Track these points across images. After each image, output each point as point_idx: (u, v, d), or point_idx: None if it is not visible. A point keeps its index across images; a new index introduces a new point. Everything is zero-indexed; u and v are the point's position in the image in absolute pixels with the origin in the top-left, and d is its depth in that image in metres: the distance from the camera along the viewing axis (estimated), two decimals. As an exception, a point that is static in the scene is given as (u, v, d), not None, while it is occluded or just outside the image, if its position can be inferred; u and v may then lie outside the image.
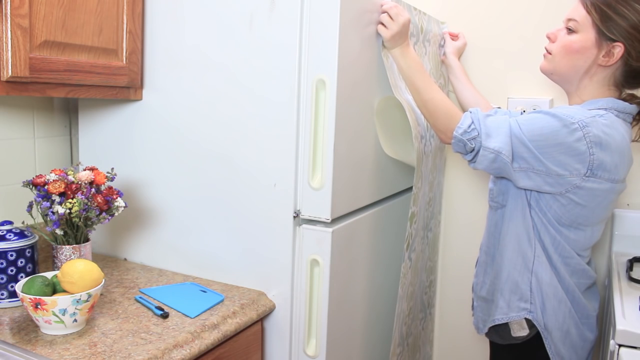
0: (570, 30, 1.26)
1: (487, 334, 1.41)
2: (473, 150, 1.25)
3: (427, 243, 1.85)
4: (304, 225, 1.33)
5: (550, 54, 1.31)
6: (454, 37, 1.87)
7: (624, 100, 1.26)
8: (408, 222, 1.51)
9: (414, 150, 1.46)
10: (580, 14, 1.24)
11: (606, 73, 1.24)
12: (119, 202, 1.34)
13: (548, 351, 1.29)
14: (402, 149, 1.59)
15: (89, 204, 1.26)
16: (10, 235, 1.24)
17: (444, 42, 1.86)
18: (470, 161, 1.29)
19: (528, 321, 1.31)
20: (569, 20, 1.26)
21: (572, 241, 1.27)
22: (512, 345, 1.34)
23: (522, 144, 1.20)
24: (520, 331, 1.31)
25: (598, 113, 1.20)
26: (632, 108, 1.26)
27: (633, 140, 1.30)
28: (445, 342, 2.13)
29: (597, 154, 1.16)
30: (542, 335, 1.29)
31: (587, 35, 1.23)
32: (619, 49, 1.20)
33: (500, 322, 1.35)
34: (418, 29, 1.67)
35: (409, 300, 1.66)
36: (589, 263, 1.34)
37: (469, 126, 1.25)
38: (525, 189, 1.27)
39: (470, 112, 1.28)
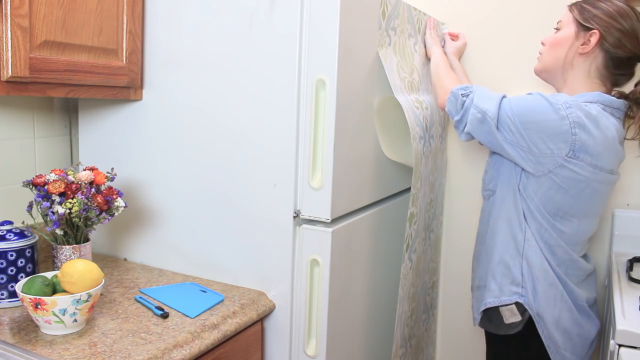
0: (557, 31, 1.35)
1: (480, 324, 1.41)
2: (463, 107, 1.30)
3: (429, 244, 1.85)
4: (304, 225, 1.33)
5: (540, 54, 1.38)
6: (454, 37, 1.87)
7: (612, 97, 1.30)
8: (407, 222, 1.51)
9: (412, 151, 1.46)
10: (565, 14, 1.34)
11: (587, 63, 1.28)
12: (119, 202, 1.34)
13: (541, 336, 1.30)
14: (401, 151, 1.59)
15: (89, 204, 1.26)
16: (10, 235, 1.24)
17: (444, 43, 1.86)
18: (458, 122, 1.33)
19: (519, 306, 1.31)
20: (557, 22, 1.36)
21: (560, 232, 1.29)
22: (506, 334, 1.34)
23: (507, 117, 1.24)
24: (512, 317, 1.31)
25: (584, 103, 1.23)
26: (619, 103, 1.28)
27: (632, 138, 1.32)
28: (448, 344, 2.13)
29: (580, 134, 1.19)
30: (534, 320, 1.30)
31: (568, 29, 1.31)
32: (595, 36, 1.25)
33: (491, 305, 1.35)
34: (416, 29, 1.67)
35: (410, 301, 1.65)
36: (584, 257, 1.35)
37: (467, 87, 1.34)
38: (514, 163, 1.30)
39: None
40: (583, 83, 1.30)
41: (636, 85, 1.31)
